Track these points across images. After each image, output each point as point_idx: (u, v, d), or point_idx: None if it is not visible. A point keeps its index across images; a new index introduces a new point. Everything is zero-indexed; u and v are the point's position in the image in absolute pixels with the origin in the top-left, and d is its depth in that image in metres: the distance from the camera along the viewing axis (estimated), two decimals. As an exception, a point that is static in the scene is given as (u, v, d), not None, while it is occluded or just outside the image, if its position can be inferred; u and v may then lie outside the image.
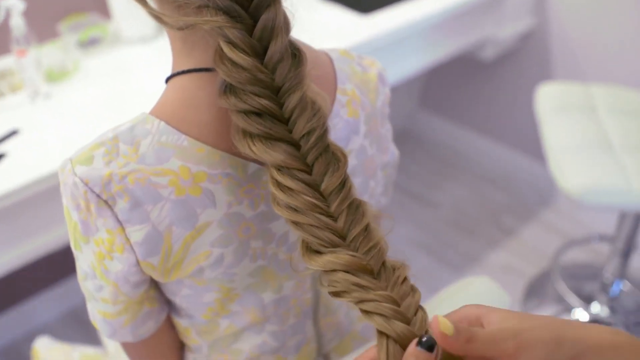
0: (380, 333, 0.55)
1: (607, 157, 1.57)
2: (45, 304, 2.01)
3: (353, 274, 0.56)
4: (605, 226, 2.34)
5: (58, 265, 1.99)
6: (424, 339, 0.53)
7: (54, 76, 1.53)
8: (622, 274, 1.96)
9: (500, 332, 0.54)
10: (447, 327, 0.54)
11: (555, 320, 0.55)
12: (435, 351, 0.53)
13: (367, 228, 0.59)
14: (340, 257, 0.56)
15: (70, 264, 1.96)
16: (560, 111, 1.73)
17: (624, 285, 2.04)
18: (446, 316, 0.57)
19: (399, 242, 2.35)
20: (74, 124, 1.39)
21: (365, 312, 0.55)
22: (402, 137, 2.90)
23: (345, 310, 0.89)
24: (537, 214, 2.49)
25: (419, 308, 0.57)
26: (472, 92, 2.68)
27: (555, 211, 2.49)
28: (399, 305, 0.55)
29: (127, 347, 0.81)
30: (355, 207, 0.60)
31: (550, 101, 1.77)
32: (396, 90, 2.77)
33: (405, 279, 0.58)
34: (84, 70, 1.60)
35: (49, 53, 1.55)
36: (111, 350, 1.22)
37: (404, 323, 0.54)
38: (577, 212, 2.45)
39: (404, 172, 2.69)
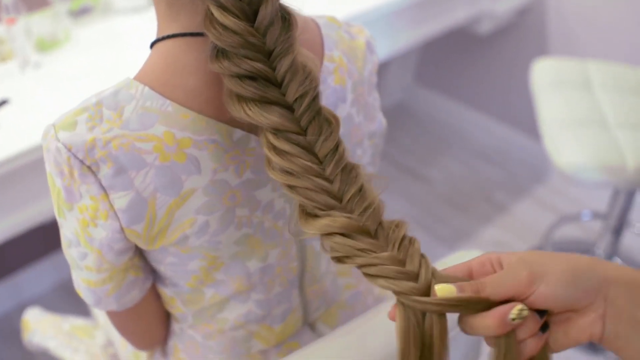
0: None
1: (602, 133, 1.56)
2: (36, 276, 2.01)
3: (351, 237, 0.56)
4: (597, 203, 2.34)
5: (49, 237, 1.99)
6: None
7: (45, 45, 1.51)
8: (614, 251, 1.97)
9: (511, 267, 0.54)
10: (446, 290, 0.53)
11: (573, 255, 0.54)
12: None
13: (361, 189, 0.59)
14: (336, 220, 0.56)
15: (62, 236, 1.95)
16: (555, 87, 1.72)
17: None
18: (461, 264, 0.57)
19: (391, 216, 2.34)
20: (64, 94, 1.37)
21: (370, 276, 0.55)
22: (396, 112, 2.89)
23: (331, 279, 0.89)
24: (530, 190, 2.48)
25: (422, 257, 0.57)
26: (467, 67, 2.67)
27: (548, 187, 2.49)
28: (403, 265, 0.55)
29: (112, 316, 0.81)
30: (349, 170, 0.60)
31: (546, 77, 1.76)
32: (391, 64, 2.75)
33: (404, 236, 0.58)
34: (75, 39, 1.58)
35: (40, 22, 1.52)
36: (101, 321, 1.22)
37: (411, 281, 0.54)
38: (570, 189, 2.45)
39: (398, 146, 2.68)
